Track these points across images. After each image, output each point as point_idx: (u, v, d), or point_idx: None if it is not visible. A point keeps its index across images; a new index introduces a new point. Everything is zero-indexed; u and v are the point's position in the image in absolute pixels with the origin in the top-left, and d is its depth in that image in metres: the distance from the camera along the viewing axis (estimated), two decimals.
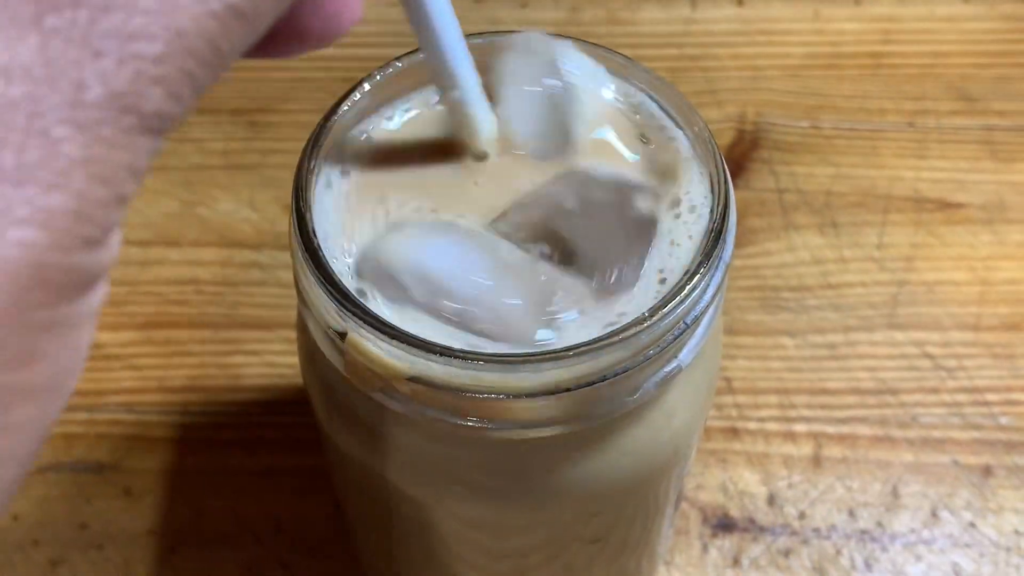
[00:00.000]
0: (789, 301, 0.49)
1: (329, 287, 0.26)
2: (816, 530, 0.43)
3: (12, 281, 0.17)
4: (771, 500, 0.44)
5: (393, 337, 0.25)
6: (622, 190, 0.29)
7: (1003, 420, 0.45)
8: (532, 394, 0.25)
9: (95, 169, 0.17)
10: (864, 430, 0.45)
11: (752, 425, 0.46)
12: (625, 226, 0.28)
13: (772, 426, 0.46)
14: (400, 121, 0.30)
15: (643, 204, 0.29)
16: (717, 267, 0.27)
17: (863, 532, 0.43)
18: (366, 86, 0.30)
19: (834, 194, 0.52)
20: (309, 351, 0.31)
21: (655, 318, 0.25)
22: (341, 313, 0.26)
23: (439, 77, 0.28)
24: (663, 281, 0.27)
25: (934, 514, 0.43)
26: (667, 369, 0.27)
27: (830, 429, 0.45)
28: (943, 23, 0.59)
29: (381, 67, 0.30)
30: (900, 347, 0.47)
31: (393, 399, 0.27)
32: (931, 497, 0.44)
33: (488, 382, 0.25)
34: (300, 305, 0.29)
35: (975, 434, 0.45)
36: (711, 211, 0.28)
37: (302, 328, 0.31)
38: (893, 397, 0.46)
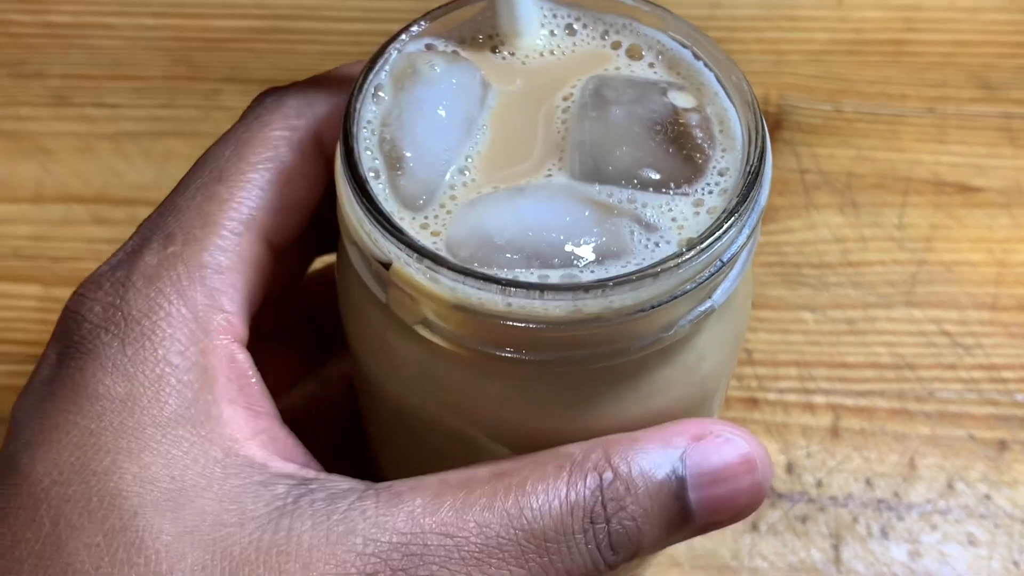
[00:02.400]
0: (810, 277, 0.50)
1: (375, 215, 0.27)
2: (833, 498, 0.44)
3: None
4: (789, 468, 0.44)
5: (438, 264, 0.26)
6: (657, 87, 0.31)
7: (1019, 397, 0.46)
8: (570, 323, 0.26)
9: None
10: (882, 403, 0.46)
11: (772, 396, 0.46)
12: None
13: (791, 397, 0.46)
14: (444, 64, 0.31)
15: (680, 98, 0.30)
16: (753, 209, 0.28)
17: (880, 501, 0.44)
18: (415, 28, 0.31)
19: (855, 175, 0.53)
20: (349, 290, 0.32)
21: (692, 252, 0.26)
22: (386, 242, 0.27)
23: None
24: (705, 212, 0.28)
25: (950, 485, 0.44)
26: (701, 308, 0.28)
27: (848, 401, 0.46)
28: (964, 13, 0.59)
29: (431, 12, 0.32)
30: (918, 324, 0.48)
31: (435, 331, 0.28)
32: (947, 469, 0.44)
33: (528, 311, 0.26)
34: (343, 240, 0.30)
35: (991, 410, 0.46)
36: (748, 155, 0.29)
37: (343, 269, 0.32)
38: (911, 372, 0.47)
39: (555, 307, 0.26)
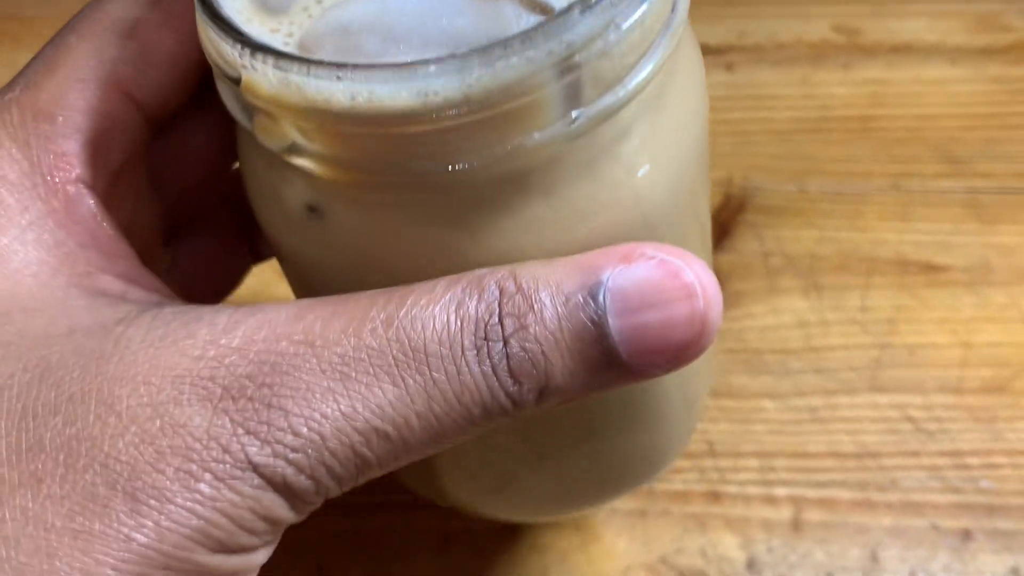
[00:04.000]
0: (772, 364, 0.50)
1: (212, 15, 0.24)
2: None
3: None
4: (750, 564, 0.44)
5: (270, 55, 0.23)
6: None
7: (983, 483, 0.46)
8: (427, 112, 0.22)
9: (221, 505, 0.23)
10: (844, 494, 0.46)
11: (732, 489, 0.46)
12: None
13: (752, 490, 0.46)
14: None
15: None
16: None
17: None
18: None
19: (818, 257, 0.53)
20: (240, 141, 0.29)
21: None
22: (229, 49, 0.24)
23: None
24: None
25: None
26: (608, 99, 0.24)
27: (810, 493, 0.46)
28: (931, 86, 0.59)
29: None
30: (881, 410, 0.48)
31: (306, 156, 0.25)
32: (910, 561, 0.44)
33: (377, 103, 0.22)
34: (217, 83, 0.27)
35: (955, 498, 0.45)
36: None
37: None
38: (873, 460, 0.46)
39: (402, 92, 0.22)
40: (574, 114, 0.23)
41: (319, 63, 0.23)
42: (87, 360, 0.23)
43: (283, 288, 0.37)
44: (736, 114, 0.59)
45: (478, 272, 0.24)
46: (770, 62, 0.61)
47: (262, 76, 0.23)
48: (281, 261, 0.31)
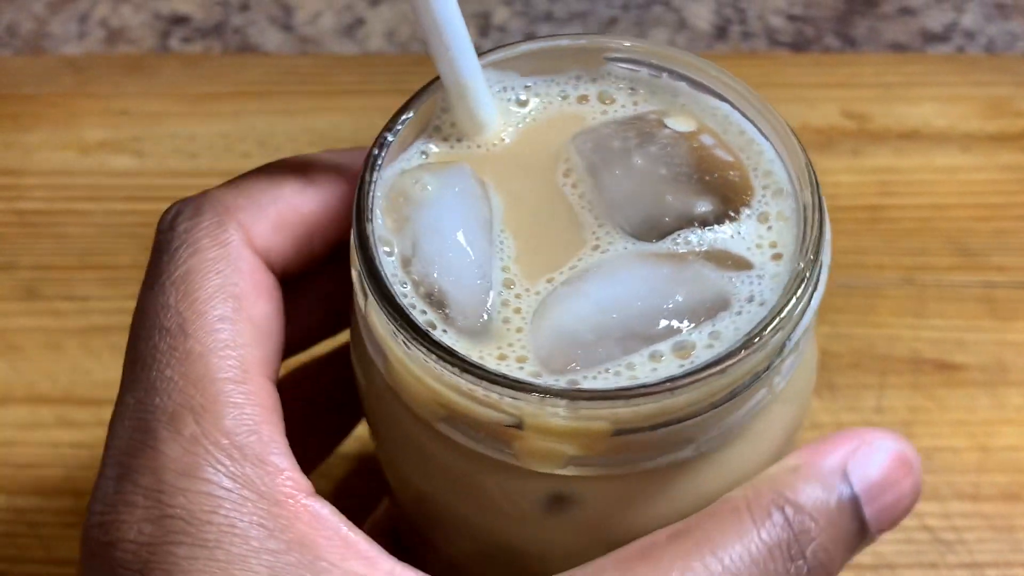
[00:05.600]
0: None
1: (492, 379, 0.25)
2: None
3: None
4: None
5: (578, 398, 0.25)
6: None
7: None
8: (656, 426, 0.25)
9: None
10: None
11: None
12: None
13: None
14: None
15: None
16: (817, 283, 0.27)
17: None
18: (381, 152, 0.29)
19: (831, 354, 0.52)
20: (391, 422, 0.30)
21: (749, 351, 0.25)
22: (512, 402, 0.25)
23: (446, 69, 0.29)
24: (751, 299, 0.27)
25: None
26: (758, 398, 0.27)
27: None
28: (942, 174, 0.59)
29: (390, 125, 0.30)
30: None
31: (578, 465, 0.27)
32: None
33: (691, 399, 0.25)
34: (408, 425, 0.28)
35: None
36: (804, 220, 0.27)
37: (370, 385, 0.30)
38: (891, 572, 0.45)
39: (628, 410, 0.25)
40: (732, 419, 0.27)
41: (616, 395, 0.24)
42: None
43: None
44: None
45: (745, 497, 0.27)
46: None
47: (551, 415, 0.25)
48: (488, 551, 0.31)
